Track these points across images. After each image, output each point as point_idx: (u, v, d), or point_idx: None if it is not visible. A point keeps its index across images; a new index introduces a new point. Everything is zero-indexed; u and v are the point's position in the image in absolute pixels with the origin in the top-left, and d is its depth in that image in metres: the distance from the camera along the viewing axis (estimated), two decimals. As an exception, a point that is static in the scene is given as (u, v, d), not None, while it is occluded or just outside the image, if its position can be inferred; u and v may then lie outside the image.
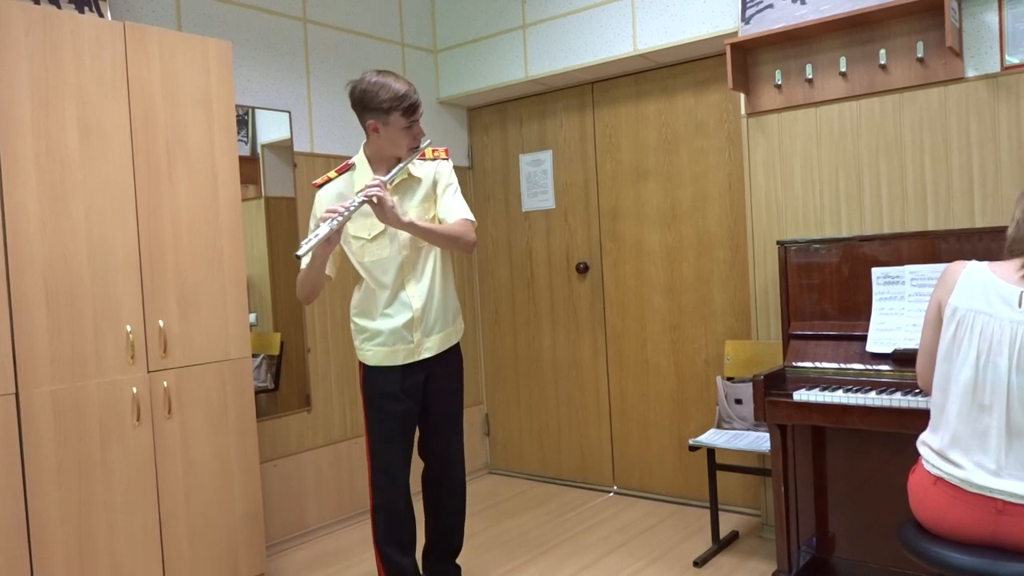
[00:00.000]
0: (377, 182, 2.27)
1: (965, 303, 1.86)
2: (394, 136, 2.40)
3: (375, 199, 2.25)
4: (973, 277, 1.87)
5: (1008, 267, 1.86)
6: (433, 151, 2.55)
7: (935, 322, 1.96)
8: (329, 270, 2.49)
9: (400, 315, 2.47)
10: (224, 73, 2.85)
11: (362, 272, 2.50)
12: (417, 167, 2.51)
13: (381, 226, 2.42)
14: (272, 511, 3.45)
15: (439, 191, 2.52)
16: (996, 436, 1.79)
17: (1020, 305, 1.80)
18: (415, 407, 2.55)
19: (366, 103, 2.37)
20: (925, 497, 1.91)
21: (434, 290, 2.50)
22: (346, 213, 2.23)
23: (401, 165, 2.42)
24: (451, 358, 2.61)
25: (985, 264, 1.90)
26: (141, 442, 2.58)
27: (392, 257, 2.45)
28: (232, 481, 2.83)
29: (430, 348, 2.52)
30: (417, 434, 2.65)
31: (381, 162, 2.48)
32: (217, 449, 2.79)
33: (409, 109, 2.36)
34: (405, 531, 2.55)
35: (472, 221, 2.50)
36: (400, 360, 2.49)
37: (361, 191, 2.29)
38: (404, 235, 2.44)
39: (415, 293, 2.48)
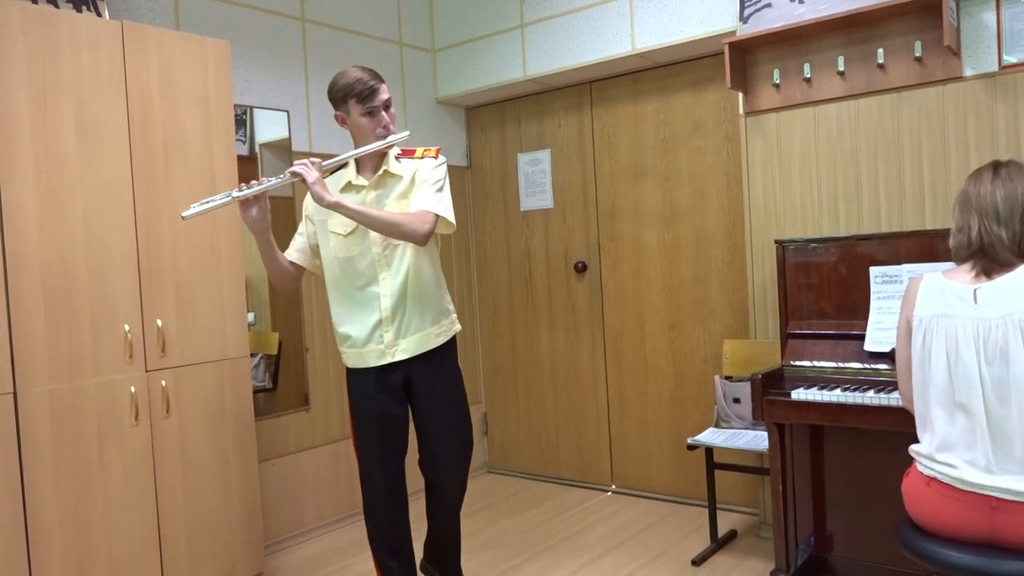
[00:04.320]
0: (307, 161, 2.24)
1: (928, 311, 1.93)
2: (358, 125, 2.36)
3: (300, 175, 2.21)
4: (930, 287, 1.94)
5: (960, 271, 1.94)
6: (424, 150, 2.48)
7: (906, 337, 2.02)
8: (303, 261, 2.49)
9: (370, 316, 2.40)
10: (222, 72, 2.85)
11: (336, 271, 2.43)
12: (402, 165, 2.44)
13: (355, 223, 2.39)
14: (270, 511, 3.44)
15: (415, 186, 2.41)
16: (980, 433, 1.81)
17: (976, 301, 1.85)
18: (397, 409, 2.46)
19: (329, 96, 2.40)
20: (920, 498, 1.92)
21: (407, 289, 2.39)
22: (257, 187, 2.21)
23: (355, 152, 2.36)
24: (434, 360, 2.47)
25: (939, 273, 1.97)
26: (139, 442, 2.58)
27: (364, 254, 2.39)
28: (230, 480, 2.83)
29: (405, 350, 2.40)
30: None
31: (366, 159, 2.44)
32: (215, 448, 2.79)
33: (362, 95, 2.32)
34: (390, 535, 2.49)
35: (434, 214, 2.32)
36: (372, 362, 2.41)
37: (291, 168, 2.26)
38: (377, 232, 2.38)
39: (386, 292, 2.39)
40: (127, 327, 2.56)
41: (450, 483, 2.54)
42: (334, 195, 2.24)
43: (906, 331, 2.02)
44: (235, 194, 2.21)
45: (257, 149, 3.48)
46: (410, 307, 2.41)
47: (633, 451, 3.98)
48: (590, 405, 4.14)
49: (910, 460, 2.02)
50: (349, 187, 2.41)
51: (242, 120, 3.40)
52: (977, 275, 1.89)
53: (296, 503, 3.58)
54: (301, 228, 2.54)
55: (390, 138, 2.38)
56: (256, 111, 3.47)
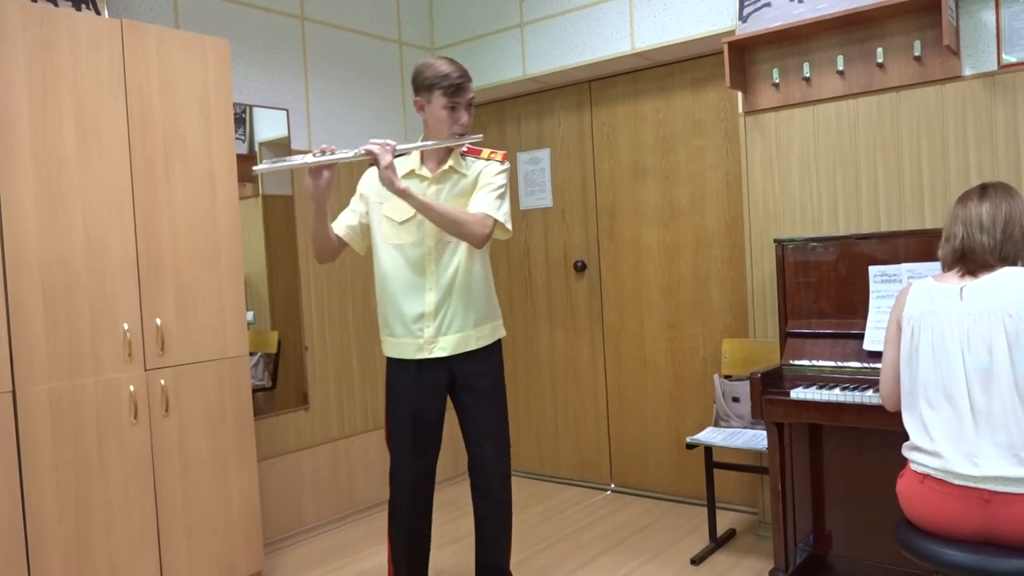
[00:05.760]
0: (382, 141, 2.23)
1: (916, 310, 2.01)
2: (436, 116, 2.35)
3: (374, 155, 2.20)
4: (919, 290, 2.04)
5: (947, 276, 2.04)
6: (491, 152, 2.46)
7: (895, 338, 2.09)
8: (349, 237, 2.48)
9: (412, 307, 2.38)
10: (222, 71, 2.85)
11: (386, 257, 2.42)
12: (467, 164, 2.43)
13: (411, 211, 2.36)
14: (270, 509, 3.45)
15: (477, 188, 2.40)
16: (966, 421, 1.86)
17: (962, 298, 1.94)
18: (434, 406, 2.45)
19: (414, 80, 2.39)
20: (914, 497, 1.95)
21: (454, 288, 2.38)
22: (332, 156, 2.21)
23: (427, 144, 2.34)
24: (476, 359, 2.45)
25: (928, 278, 2.06)
26: (138, 440, 2.58)
27: (416, 245, 2.38)
28: (229, 479, 2.83)
29: (443, 348, 2.38)
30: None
31: (432, 155, 2.44)
32: (214, 447, 2.79)
33: (451, 88, 2.32)
34: (409, 528, 2.49)
35: (494, 218, 2.33)
36: (408, 354, 2.40)
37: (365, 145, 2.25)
38: (432, 225, 2.35)
39: (432, 287, 2.37)
40: (126, 326, 2.56)
41: (492, 481, 2.49)
42: (403, 182, 2.23)
43: (894, 334, 2.09)
44: (309, 160, 2.20)
45: (256, 148, 3.48)
46: (454, 305, 2.39)
47: (632, 450, 3.98)
48: (589, 404, 4.14)
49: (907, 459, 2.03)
50: (412, 175, 2.41)
51: (241, 119, 3.40)
52: (963, 276, 1.99)
53: (295, 502, 3.58)
54: (353, 205, 2.52)
55: (465, 139, 2.38)
56: (255, 110, 3.47)
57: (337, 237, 2.47)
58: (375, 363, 3.97)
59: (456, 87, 2.33)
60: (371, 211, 2.46)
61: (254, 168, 2.11)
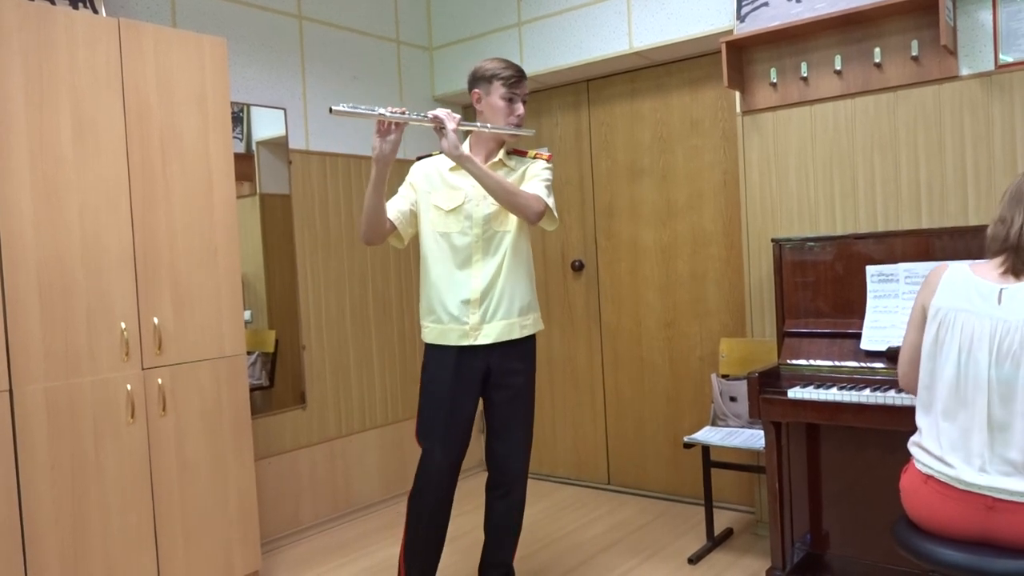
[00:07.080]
0: (448, 111, 2.31)
1: (947, 302, 1.88)
2: (495, 107, 2.44)
3: (441, 120, 2.28)
4: (954, 277, 1.90)
5: (988, 266, 1.89)
6: (536, 153, 2.54)
7: (919, 323, 1.98)
8: (398, 222, 2.48)
9: (458, 293, 2.42)
10: (219, 70, 2.85)
11: (432, 245, 2.46)
12: (513, 160, 2.52)
13: (460, 200, 2.43)
14: (267, 508, 3.44)
15: (525, 180, 2.48)
16: (979, 432, 1.81)
17: (1000, 302, 1.81)
18: (469, 399, 2.48)
19: (474, 74, 2.50)
20: (916, 495, 1.92)
21: (499, 276, 2.43)
22: (404, 115, 2.26)
23: (487, 126, 2.42)
24: (515, 354, 2.50)
25: (966, 264, 1.92)
26: (135, 439, 2.57)
27: (463, 233, 2.43)
28: (227, 478, 2.83)
29: (487, 335, 2.43)
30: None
31: (479, 147, 2.50)
32: (212, 446, 2.78)
33: (509, 79, 2.44)
34: (431, 521, 2.49)
35: (545, 203, 2.40)
36: (452, 340, 2.43)
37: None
38: (479, 214, 2.42)
39: (478, 274, 2.43)
40: (123, 325, 2.56)
41: (510, 478, 2.59)
42: (464, 150, 2.30)
43: (919, 318, 1.98)
44: (385, 112, 2.23)
45: (254, 147, 3.47)
46: (499, 293, 2.45)
47: (630, 449, 3.99)
48: (587, 403, 4.14)
49: (906, 458, 2.02)
50: (459, 168, 2.45)
51: (239, 118, 3.40)
52: (1005, 272, 1.85)
53: (292, 501, 3.58)
54: (403, 192, 2.56)
55: (520, 130, 2.48)
56: (253, 109, 3.46)
57: (388, 219, 2.49)
58: (372, 362, 3.97)
59: (515, 79, 2.46)
60: (420, 200, 2.52)
61: (333, 107, 2.12)
